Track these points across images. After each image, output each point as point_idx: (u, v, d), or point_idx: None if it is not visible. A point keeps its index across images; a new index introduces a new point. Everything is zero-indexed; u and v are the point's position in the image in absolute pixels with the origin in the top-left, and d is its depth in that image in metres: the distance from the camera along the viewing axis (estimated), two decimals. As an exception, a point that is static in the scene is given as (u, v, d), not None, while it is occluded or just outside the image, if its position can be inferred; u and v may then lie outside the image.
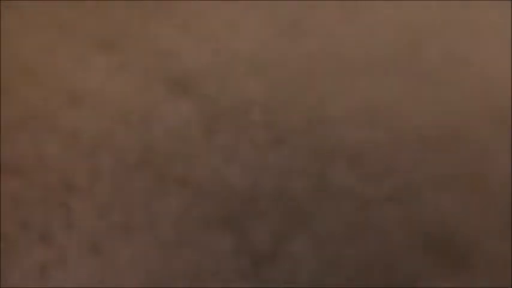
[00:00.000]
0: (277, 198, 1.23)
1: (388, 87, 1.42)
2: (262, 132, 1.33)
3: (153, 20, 1.51)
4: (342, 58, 1.46)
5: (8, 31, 1.49)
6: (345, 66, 1.45)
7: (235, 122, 1.35)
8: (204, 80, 1.42)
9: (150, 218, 1.19)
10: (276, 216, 1.20)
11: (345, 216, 1.21)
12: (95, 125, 1.33)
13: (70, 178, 1.24)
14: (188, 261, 1.14)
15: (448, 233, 1.19)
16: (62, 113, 1.34)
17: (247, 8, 1.53)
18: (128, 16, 1.51)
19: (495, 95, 1.40)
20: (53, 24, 1.51)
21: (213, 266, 1.14)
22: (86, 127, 1.32)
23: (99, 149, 1.29)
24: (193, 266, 1.14)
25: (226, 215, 1.20)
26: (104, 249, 1.15)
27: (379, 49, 1.48)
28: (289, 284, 1.11)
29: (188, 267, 1.14)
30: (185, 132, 1.33)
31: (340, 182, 1.26)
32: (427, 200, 1.23)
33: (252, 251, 1.15)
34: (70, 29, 1.50)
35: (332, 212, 1.21)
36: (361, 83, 1.42)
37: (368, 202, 1.23)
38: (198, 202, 1.22)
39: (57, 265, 1.14)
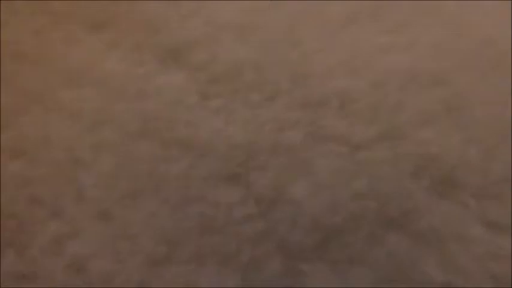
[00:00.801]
0: (275, 150, 1.27)
1: (367, 38, 1.46)
2: (254, 92, 1.37)
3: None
4: (322, 15, 1.50)
5: (1, 21, 1.51)
6: (325, 22, 1.49)
7: (228, 85, 1.38)
8: (195, 49, 1.45)
9: (157, 182, 1.21)
10: (276, 166, 1.24)
11: (339, 160, 1.25)
12: (94, 102, 1.35)
13: (75, 153, 1.26)
14: (198, 215, 1.17)
15: (434, 162, 1.24)
16: (61, 93, 1.37)
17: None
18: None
19: (468, 40, 1.45)
20: (43, 10, 1.53)
21: (223, 216, 1.17)
22: (85, 104, 1.34)
23: (100, 123, 1.31)
24: (204, 219, 1.17)
25: (230, 171, 1.24)
26: (114, 217, 1.17)
27: (357, 3, 1.53)
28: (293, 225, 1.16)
29: (199, 221, 1.17)
30: (182, 99, 1.36)
31: (331, 129, 1.30)
32: (413, 136, 1.28)
33: (258, 199, 1.19)
34: (60, 13, 1.52)
35: (326, 157, 1.26)
36: (341, 37, 1.46)
37: (358, 145, 1.28)
38: (202, 162, 1.25)
39: (71, 237, 1.15)
